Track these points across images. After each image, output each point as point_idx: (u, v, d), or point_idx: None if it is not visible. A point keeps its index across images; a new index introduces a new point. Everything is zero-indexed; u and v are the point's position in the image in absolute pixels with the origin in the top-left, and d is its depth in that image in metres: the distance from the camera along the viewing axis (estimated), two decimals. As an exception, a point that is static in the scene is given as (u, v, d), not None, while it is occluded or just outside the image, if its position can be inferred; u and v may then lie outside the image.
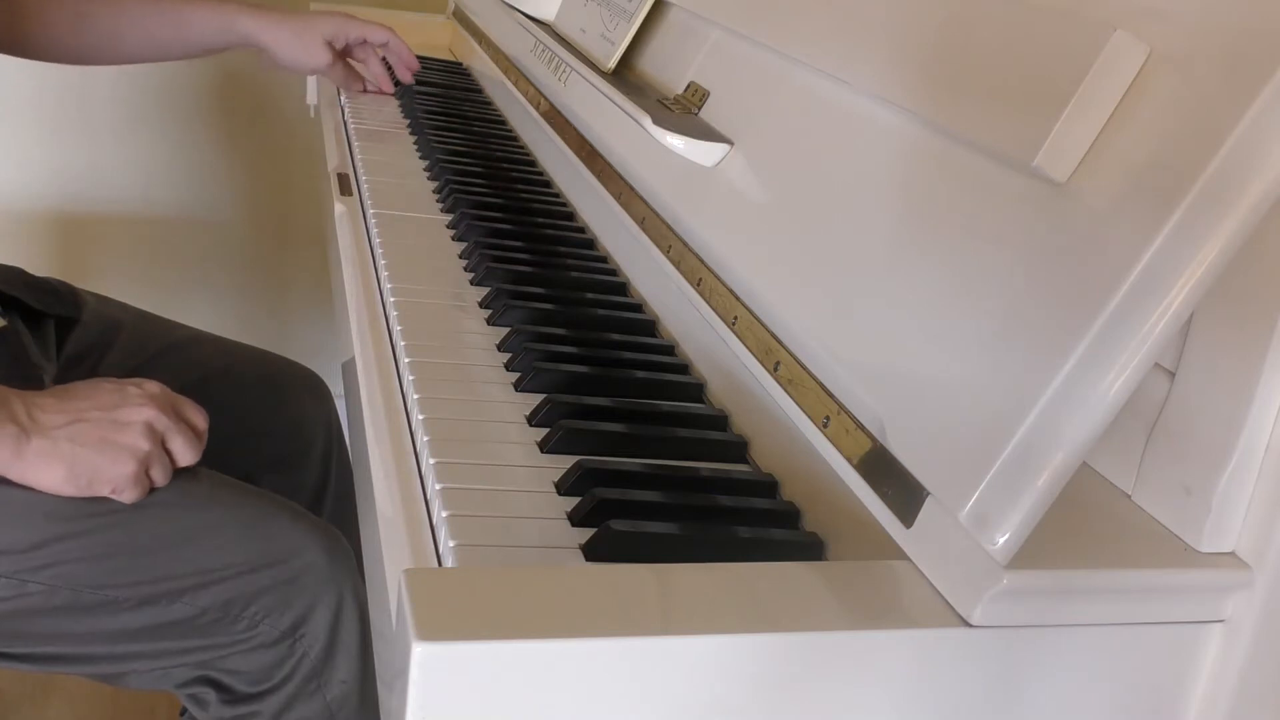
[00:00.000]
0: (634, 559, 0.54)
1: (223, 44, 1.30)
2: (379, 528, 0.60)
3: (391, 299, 0.83)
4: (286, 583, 0.90)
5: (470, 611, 0.44)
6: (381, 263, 0.89)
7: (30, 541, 0.84)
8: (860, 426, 0.56)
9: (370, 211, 1.00)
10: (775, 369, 0.64)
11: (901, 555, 0.52)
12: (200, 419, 0.90)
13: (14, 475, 0.81)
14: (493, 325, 0.83)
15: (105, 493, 0.83)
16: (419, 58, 1.56)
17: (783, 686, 0.46)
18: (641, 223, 0.84)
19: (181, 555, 0.88)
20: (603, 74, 0.97)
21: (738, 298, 0.69)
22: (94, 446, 0.82)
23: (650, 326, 0.86)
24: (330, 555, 0.92)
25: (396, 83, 1.44)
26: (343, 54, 1.37)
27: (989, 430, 0.48)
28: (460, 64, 1.65)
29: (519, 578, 0.47)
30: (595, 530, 0.57)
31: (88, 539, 0.85)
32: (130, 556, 0.87)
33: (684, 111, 0.84)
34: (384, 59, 1.42)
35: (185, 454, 0.88)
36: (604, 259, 0.98)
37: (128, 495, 0.84)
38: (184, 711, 1.08)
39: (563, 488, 0.62)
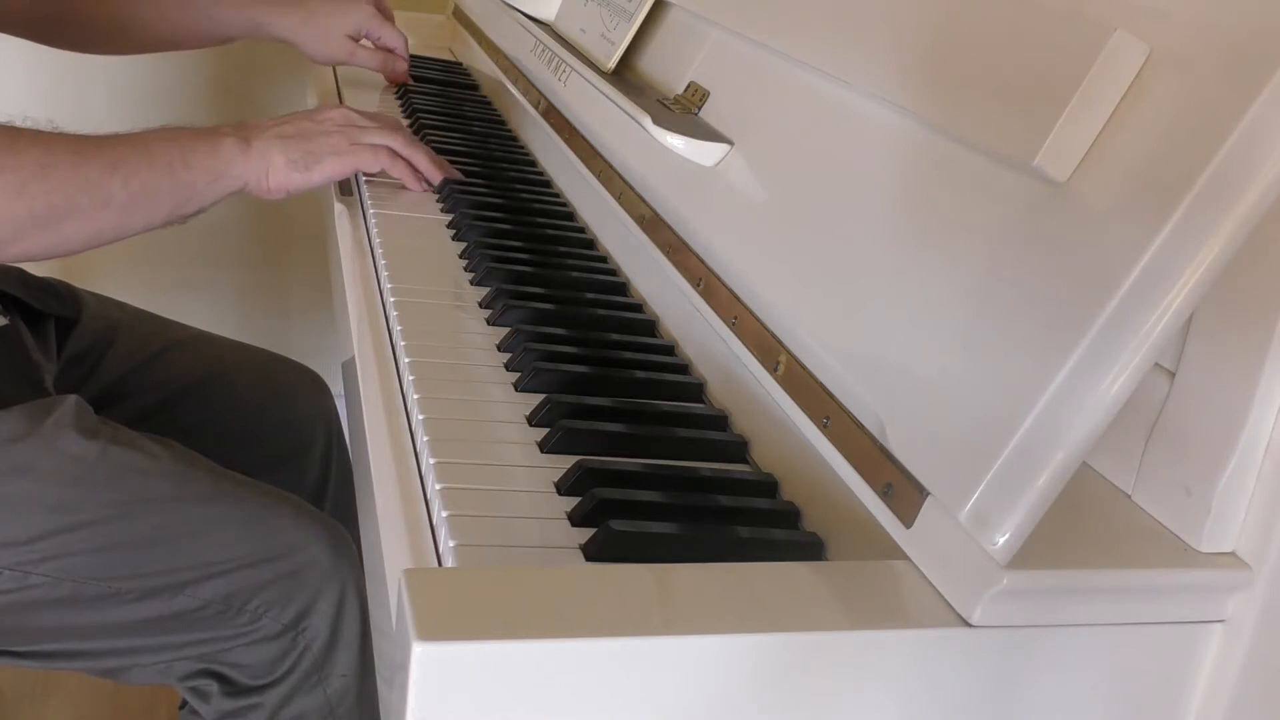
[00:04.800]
0: (634, 559, 0.54)
1: (247, 37, 1.34)
2: (379, 527, 0.60)
3: (391, 299, 0.83)
4: (289, 576, 0.91)
5: (470, 611, 0.44)
6: (381, 263, 0.89)
7: (33, 533, 0.84)
8: (860, 426, 0.56)
9: (370, 211, 1.00)
10: (775, 369, 0.64)
11: (901, 555, 0.52)
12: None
13: (247, 170, 0.93)
14: (493, 325, 0.83)
15: (331, 166, 0.95)
16: (419, 57, 1.55)
17: (783, 687, 0.46)
18: (641, 222, 0.84)
19: (184, 548, 0.89)
20: (603, 74, 0.97)
21: (738, 298, 0.69)
22: (301, 138, 0.96)
23: (650, 326, 0.86)
24: (332, 549, 0.93)
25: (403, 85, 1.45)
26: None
27: (989, 430, 0.48)
28: (460, 64, 1.65)
29: (519, 578, 0.47)
30: (595, 530, 0.57)
31: (90, 531, 0.86)
32: (133, 549, 0.87)
33: (684, 111, 0.84)
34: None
35: (380, 135, 0.99)
36: (604, 259, 0.98)
37: (361, 154, 0.97)
38: (184, 705, 1.08)
39: (563, 488, 0.62)
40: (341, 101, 1.37)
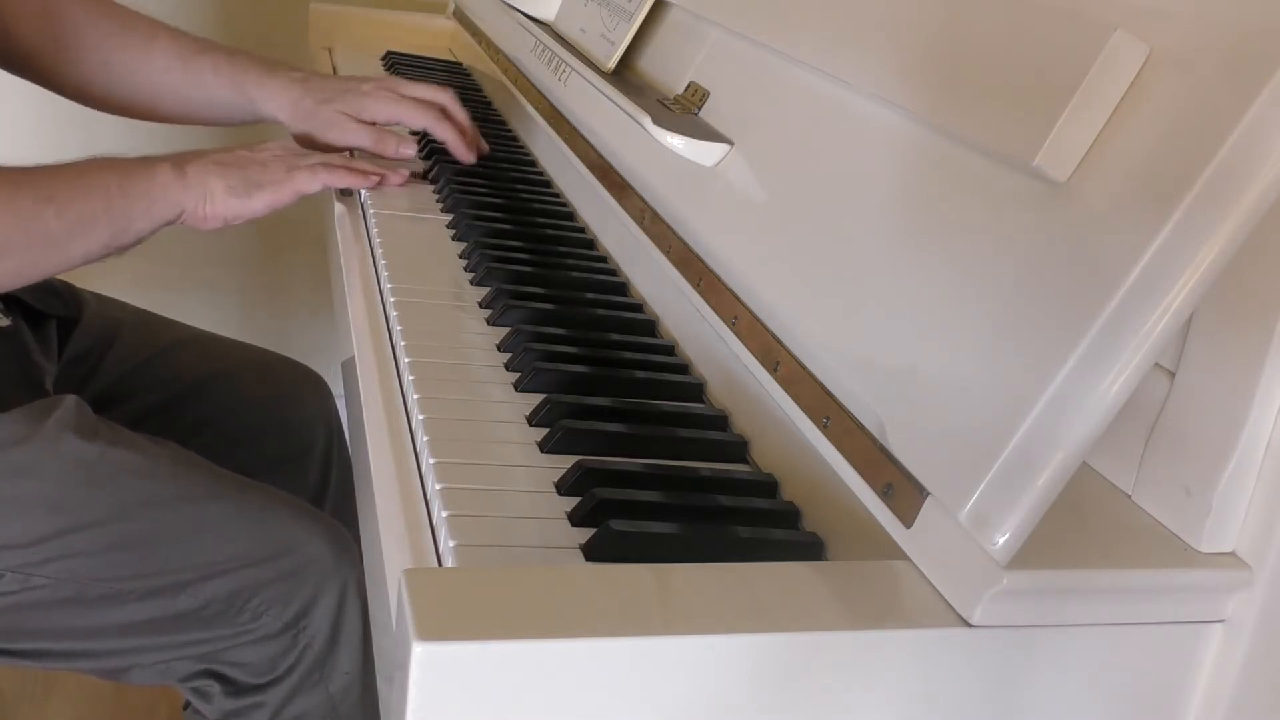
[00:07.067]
0: (634, 559, 0.54)
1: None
2: (379, 527, 0.60)
3: (391, 299, 0.83)
4: (289, 575, 0.91)
5: (470, 611, 0.44)
6: (381, 263, 0.89)
7: (35, 535, 0.85)
8: (860, 426, 0.56)
9: (370, 211, 1.00)
10: (775, 369, 0.64)
11: (901, 555, 0.52)
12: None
13: (184, 196, 0.91)
14: (493, 325, 0.83)
15: (271, 194, 0.93)
16: (419, 57, 1.55)
17: (783, 686, 0.46)
18: (641, 222, 0.84)
19: (186, 548, 0.89)
20: (603, 74, 0.97)
21: (738, 298, 0.69)
22: (239, 165, 0.94)
23: (650, 326, 0.86)
24: (333, 547, 0.93)
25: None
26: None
27: (989, 430, 0.48)
28: (460, 64, 1.65)
29: (519, 578, 0.48)
30: (595, 530, 0.57)
31: (92, 532, 0.86)
32: (135, 550, 0.88)
33: (684, 111, 0.84)
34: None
35: (316, 159, 0.97)
36: (604, 259, 0.98)
37: (298, 177, 0.94)
38: (187, 705, 1.09)
39: (563, 488, 0.62)
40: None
